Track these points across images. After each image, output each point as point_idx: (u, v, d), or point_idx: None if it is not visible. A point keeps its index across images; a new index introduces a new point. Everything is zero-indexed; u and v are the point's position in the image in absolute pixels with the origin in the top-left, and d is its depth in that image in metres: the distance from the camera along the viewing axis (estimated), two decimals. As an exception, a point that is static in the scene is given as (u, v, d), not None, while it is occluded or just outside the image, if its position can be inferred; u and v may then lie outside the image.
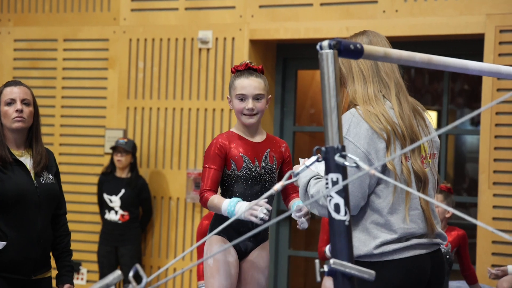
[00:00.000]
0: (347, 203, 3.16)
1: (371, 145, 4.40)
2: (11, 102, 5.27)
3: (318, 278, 3.49)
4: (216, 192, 4.97)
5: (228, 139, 5.01)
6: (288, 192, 5.28)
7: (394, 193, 4.46)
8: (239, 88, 4.96)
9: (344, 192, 3.13)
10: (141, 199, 9.21)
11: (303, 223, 4.88)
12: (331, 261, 3.11)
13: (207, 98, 9.19)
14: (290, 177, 3.33)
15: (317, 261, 3.29)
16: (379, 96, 4.60)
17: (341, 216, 3.13)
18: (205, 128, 9.22)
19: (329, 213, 3.16)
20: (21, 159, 5.30)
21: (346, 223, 3.15)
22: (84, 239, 9.52)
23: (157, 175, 9.43)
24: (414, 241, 4.51)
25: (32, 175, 5.28)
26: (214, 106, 9.15)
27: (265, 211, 4.72)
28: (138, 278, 3.01)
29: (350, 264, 3.10)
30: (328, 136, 3.14)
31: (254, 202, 4.84)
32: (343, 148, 3.14)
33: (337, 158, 3.10)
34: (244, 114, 4.94)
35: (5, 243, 5.10)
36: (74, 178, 9.62)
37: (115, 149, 9.19)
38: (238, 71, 5.04)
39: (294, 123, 9.39)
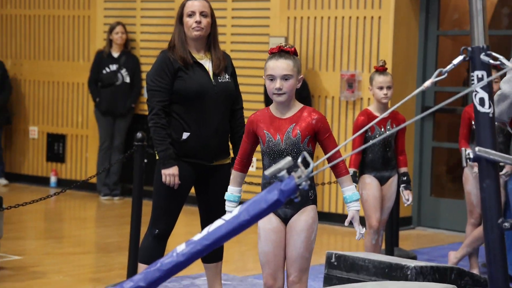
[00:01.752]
0: (491, 97, 3.10)
1: None
2: (192, 14, 5.35)
3: (464, 164, 3.56)
4: (243, 163, 4.79)
5: (260, 117, 4.75)
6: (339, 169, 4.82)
7: None
8: (269, 69, 4.68)
9: (488, 87, 3.09)
10: (302, 96, 9.02)
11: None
12: (477, 148, 3.09)
13: (358, 7, 9.18)
14: (439, 74, 3.17)
15: (463, 148, 3.35)
16: None
17: (486, 109, 3.09)
18: (356, 34, 9.23)
19: (474, 106, 3.13)
20: (202, 61, 5.41)
21: (490, 115, 3.11)
22: None
23: (314, 76, 9.51)
24: None
25: (211, 75, 5.39)
26: (364, 14, 9.15)
27: None
28: (305, 164, 3.13)
29: (493, 151, 3.07)
30: (474, 36, 3.10)
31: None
32: (488, 48, 3.08)
33: (483, 56, 3.06)
34: (274, 94, 4.66)
35: (188, 133, 5.30)
36: (243, 80, 9.83)
37: None
38: (272, 53, 4.74)
39: (438, 27, 9.33)
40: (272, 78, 4.64)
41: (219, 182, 5.40)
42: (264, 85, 9.16)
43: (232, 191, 4.73)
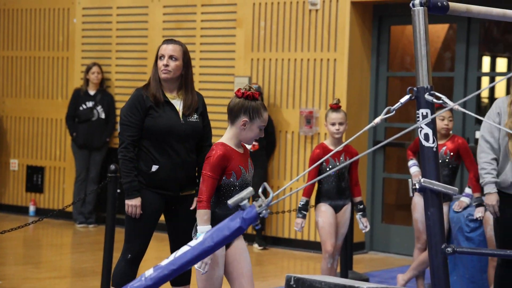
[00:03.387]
0: (434, 133, 3.10)
1: None
2: (162, 57, 5.33)
3: (411, 194, 3.60)
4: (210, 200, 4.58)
5: (229, 152, 4.62)
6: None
7: None
8: (264, 119, 4.61)
9: (432, 124, 3.09)
10: (267, 132, 8.96)
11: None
12: (422, 180, 3.08)
13: (315, 50, 9.19)
14: (388, 112, 3.16)
15: (410, 180, 3.38)
16: None
17: (430, 143, 3.09)
18: (314, 74, 9.21)
19: (420, 141, 3.13)
20: (173, 101, 5.36)
21: (434, 149, 3.11)
22: None
23: (277, 113, 9.48)
24: None
25: (180, 115, 5.33)
26: (321, 56, 9.14)
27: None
28: (265, 194, 3.13)
29: (437, 182, 3.06)
30: (419, 78, 3.12)
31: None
32: (432, 88, 3.10)
33: (427, 96, 3.08)
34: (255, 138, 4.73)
35: (157, 166, 5.26)
36: (210, 116, 9.81)
37: None
38: (258, 99, 4.66)
39: (388, 69, 9.38)
40: (262, 128, 4.62)
41: (187, 210, 5.38)
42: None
43: (206, 230, 4.39)
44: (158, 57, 5.40)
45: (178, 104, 5.40)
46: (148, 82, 5.41)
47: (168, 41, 5.44)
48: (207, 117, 5.57)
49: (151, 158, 5.30)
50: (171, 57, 5.33)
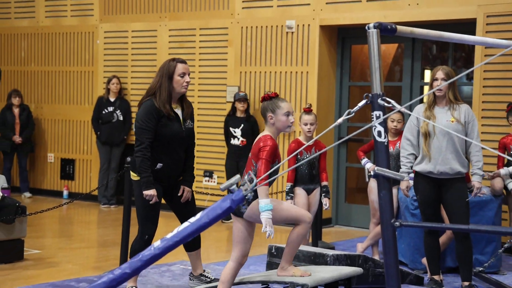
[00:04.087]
0: (386, 131, 3.12)
1: None
2: (183, 74, 5.18)
3: (367, 179, 3.52)
4: None
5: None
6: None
7: None
8: (286, 107, 4.64)
9: (384, 123, 3.11)
10: (253, 130, 9.15)
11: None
12: (376, 168, 3.09)
13: (291, 65, 9.17)
14: (348, 114, 3.20)
15: (366, 168, 3.39)
16: None
17: (382, 139, 3.11)
18: (290, 84, 9.19)
19: (374, 137, 3.13)
20: (176, 110, 5.30)
21: (385, 143, 3.13)
22: (216, 157, 9.67)
23: (260, 116, 9.48)
24: None
25: (182, 122, 5.27)
26: (296, 70, 9.12)
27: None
28: (251, 180, 3.12)
29: (387, 170, 3.09)
30: (374, 86, 3.12)
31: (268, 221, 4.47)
32: (383, 94, 3.11)
33: (379, 101, 3.10)
34: (289, 126, 4.67)
35: (162, 164, 5.23)
36: (207, 117, 9.77)
37: (238, 99, 9.17)
38: (277, 96, 4.71)
39: (350, 79, 9.37)
40: (288, 114, 4.62)
41: (178, 191, 5.39)
42: (225, 124, 9.25)
43: (267, 202, 4.46)
44: (175, 74, 5.20)
45: (179, 112, 5.31)
46: (158, 94, 5.21)
47: (182, 60, 5.29)
48: (193, 120, 5.51)
49: (156, 157, 5.22)
50: (188, 74, 5.23)
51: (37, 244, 7.65)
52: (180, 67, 5.20)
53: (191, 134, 5.40)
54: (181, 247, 5.01)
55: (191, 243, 5.44)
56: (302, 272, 4.73)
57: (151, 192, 5.14)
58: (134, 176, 5.30)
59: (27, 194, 11.22)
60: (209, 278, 5.67)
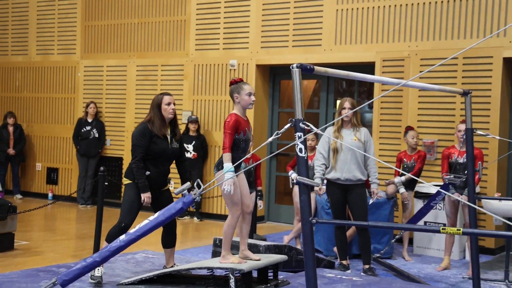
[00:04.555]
0: (306, 148, 3.10)
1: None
2: (169, 104, 5.02)
3: (291, 186, 3.49)
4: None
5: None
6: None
7: None
8: (248, 89, 4.57)
9: (304, 142, 3.09)
10: (203, 146, 9.15)
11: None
12: (297, 177, 3.08)
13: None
14: (277, 134, 3.21)
15: (290, 177, 3.37)
16: None
17: (303, 154, 3.09)
18: (230, 109, 9.27)
19: (296, 153, 3.12)
20: (166, 133, 5.09)
21: (305, 158, 3.11)
22: (173, 167, 9.66)
23: (209, 135, 9.39)
24: None
25: (169, 143, 5.09)
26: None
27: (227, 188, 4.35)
28: (199, 186, 3.09)
29: (306, 179, 3.07)
30: (296, 112, 3.11)
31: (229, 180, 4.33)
32: (303, 119, 3.09)
33: (301, 124, 3.09)
34: (250, 104, 4.56)
35: (149, 172, 5.03)
36: None
37: (191, 121, 9.11)
38: (241, 81, 4.62)
39: (279, 107, 9.41)
40: (250, 94, 4.56)
41: (164, 199, 5.22)
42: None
43: (229, 166, 4.35)
44: (163, 104, 5.04)
45: (168, 135, 5.14)
46: (151, 119, 5.05)
47: (167, 93, 5.14)
48: (183, 143, 5.33)
49: (146, 167, 5.07)
50: (174, 103, 5.10)
51: (25, 237, 7.44)
52: (166, 98, 5.08)
53: (176, 153, 5.21)
54: (144, 240, 4.90)
55: (169, 241, 5.30)
56: (240, 260, 4.68)
57: (148, 194, 5.03)
58: (125, 181, 5.16)
59: (19, 196, 10.90)
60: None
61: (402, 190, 6.87)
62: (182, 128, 9.39)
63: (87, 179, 10.20)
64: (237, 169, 4.55)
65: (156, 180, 5.14)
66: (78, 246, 7.18)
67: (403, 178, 6.85)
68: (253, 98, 4.61)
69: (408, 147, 6.98)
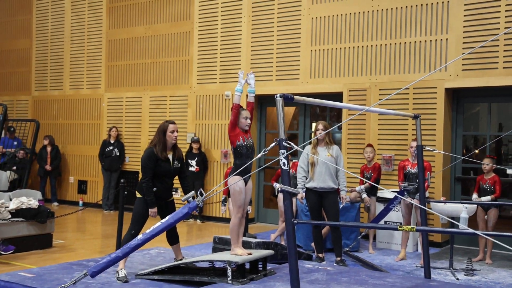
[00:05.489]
0: (288, 162, 3.06)
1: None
2: (173, 131, 4.88)
3: (276, 193, 3.46)
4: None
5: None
6: None
7: None
8: (244, 114, 4.57)
9: (287, 158, 3.06)
10: (204, 161, 9.09)
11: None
12: (282, 186, 3.07)
13: (227, 119, 9.09)
14: (264, 151, 3.16)
15: (275, 186, 3.34)
16: None
17: (286, 167, 3.07)
18: (226, 132, 9.13)
19: (281, 166, 3.08)
20: (169, 155, 4.98)
21: (288, 170, 3.08)
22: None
23: (209, 152, 9.33)
24: None
25: (171, 164, 4.95)
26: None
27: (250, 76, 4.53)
28: (201, 194, 3.06)
29: (289, 187, 3.05)
30: (280, 133, 3.11)
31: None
32: (283, 139, 3.07)
33: (284, 143, 3.07)
34: (246, 125, 4.57)
35: (156, 188, 4.91)
36: None
37: (194, 141, 9.07)
38: (241, 107, 4.66)
39: (265, 129, 9.37)
40: (246, 118, 4.59)
41: (170, 208, 5.08)
42: (185, 157, 9.03)
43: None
44: (167, 131, 4.90)
45: (171, 157, 4.99)
46: (156, 144, 4.92)
47: (172, 122, 4.98)
48: (183, 161, 5.14)
49: (153, 184, 4.95)
50: (177, 131, 4.97)
51: (61, 236, 7.37)
52: (171, 127, 4.93)
53: (177, 171, 5.02)
54: (157, 238, 4.85)
55: (173, 239, 5.20)
56: (242, 252, 4.68)
57: (154, 209, 4.92)
58: (137, 194, 5.03)
59: (56, 204, 10.79)
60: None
61: (364, 195, 6.85)
62: (186, 147, 9.34)
63: (110, 189, 10.12)
64: (243, 174, 4.41)
65: (163, 193, 5.02)
66: (104, 244, 7.09)
67: (363, 186, 6.84)
68: (248, 121, 4.60)
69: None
